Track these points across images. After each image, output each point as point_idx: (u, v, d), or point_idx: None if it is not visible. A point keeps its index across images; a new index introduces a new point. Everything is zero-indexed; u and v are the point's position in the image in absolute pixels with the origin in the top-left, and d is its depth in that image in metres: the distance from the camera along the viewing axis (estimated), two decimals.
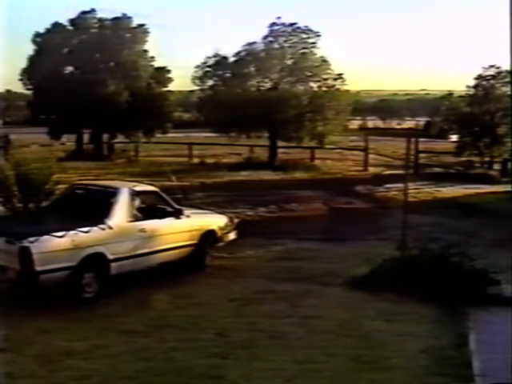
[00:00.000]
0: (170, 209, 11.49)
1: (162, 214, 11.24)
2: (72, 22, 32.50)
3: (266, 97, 29.59)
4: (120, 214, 10.39)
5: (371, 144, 33.14)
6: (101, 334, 8.58)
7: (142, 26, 32.87)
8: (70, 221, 9.91)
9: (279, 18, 30.61)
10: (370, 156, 32.09)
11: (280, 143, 31.38)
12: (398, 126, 68.66)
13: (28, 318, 8.90)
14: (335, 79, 30.33)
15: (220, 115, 29.64)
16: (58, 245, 9.32)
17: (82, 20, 32.40)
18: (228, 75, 30.82)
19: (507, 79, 29.48)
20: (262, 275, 11.77)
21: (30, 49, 32.35)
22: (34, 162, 14.09)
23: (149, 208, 11.11)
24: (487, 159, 30.50)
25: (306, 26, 30.43)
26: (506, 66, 29.25)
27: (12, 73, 34.54)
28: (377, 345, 8.34)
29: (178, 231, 11.39)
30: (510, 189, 22.15)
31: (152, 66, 33.24)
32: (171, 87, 34.03)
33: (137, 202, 10.82)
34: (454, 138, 33.41)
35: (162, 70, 33.55)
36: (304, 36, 30.31)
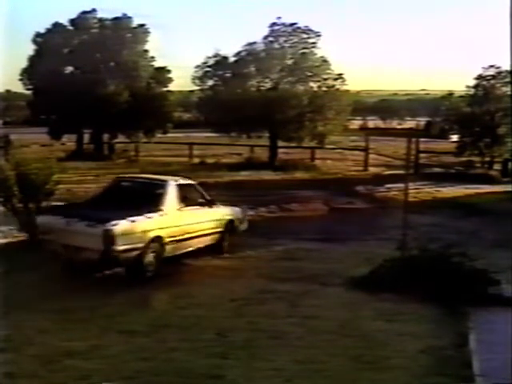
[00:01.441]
0: (204, 200, 12.89)
1: (199, 204, 12.59)
2: (72, 22, 32.54)
3: (266, 97, 29.61)
4: (171, 203, 11.71)
5: (371, 144, 33.17)
6: (101, 334, 8.58)
7: (142, 26, 32.90)
8: (132, 208, 10.91)
9: (279, 17, 30.71)
10: (371, 156, 32.12)
11: (280, 143, 31.41)
12: (399, 126, 68.79)
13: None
14: (335, 79, 30.36)
15: (220, 115, 29.66)
16: (132, 228, 10.57)
17: (82, 20, 32.42)
18: (228, 75, 30.84)
19: (507, 79, 29.51)
20: (263, 275, 11.77)
21: (30, 49, 32.43)
22: (35, 162, 14.07)
23: (188, 198, 12.29)
24: (487, 159, 30.54)
25: (307, 26, 30.52)
26: (506, 66, 29.32)
27: (12, 73, 34.56)
28: (377, 345, 8.33)
29: (211, 219, 12.83)
30: (510, 189, 22.16)
31: (152, 65, 33.27)
32: (171, 87, 34.14)
33: (180, 193, 12.04)
34: (455, 138, 33.46)
35: (162, 70, 33.57)
36: (304, 36, 30.34)
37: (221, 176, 26.24)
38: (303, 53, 30.40)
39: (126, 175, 14.28)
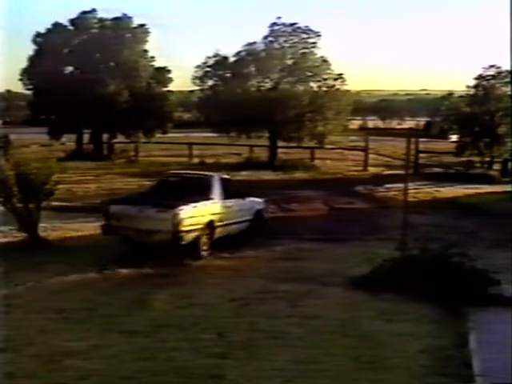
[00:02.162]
0: (238, 192, 14.64)
1: (235, 196, 14.28)
2: (72, 22, 32.52)
3: (266, 97, 29.61)
4: (217, 194, 13.59)
5: (371, 144, 33.17)
6: (101, 334, 8.58)
7: (142, 25, 32.88)
8: (187, 197, 12.70)
9: (279, 17, 30.71)
10: (370, 156, 32.11)
11: (280, 143, 31.40)
12: (399, 126, 68.75)
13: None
14: (335, 79, 30.36)
15: (220, 115, 29.66)
16: (193, 213, 12.51)
17: (82, 20, 32.41)
18: (228, 75, 30.85)
19: (507, 79, 29.50)
20: (263, 275, 11.77)
21: (30, 49, 32.41)
22: (34, 162, 14.08)
23: (227, 191, 14.00)
24: (487, 159, 30.53)
25: (307, 26, 30.52)
26: (506, 66, 29.31)
27: (12, 73, 34.53)
28: (377, 345, 8.33)
29: (245, 208, 14.65)
30: (510, 189, 22.16)
31: (152, 65, 33.25)
32: (171, 87, 34.11)
33: (222, 186, 13.85)
34: (454, 138, 33.45)
35: (162, 70, 33.55)
36: (304, 36, 30.34)
37: None
38: (303, 53, 30.41)
39: (174, 171, 16.97)
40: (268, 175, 27.10)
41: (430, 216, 18.23)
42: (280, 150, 31.74)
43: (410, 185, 13.92)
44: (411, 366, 7.71)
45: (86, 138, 34.22)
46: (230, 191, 14.08)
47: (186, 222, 12.24)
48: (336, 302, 10.25)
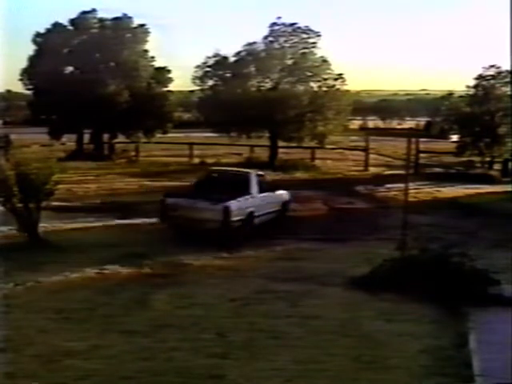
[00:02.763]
0: (269, 186, 16.85)
1: (267, 190, 16.31)
2: (72, 22, 32.48)
3: (266, 97, 29.58)
4: (255, 188, 15.61)
5: (372, 144, 33.15)
6: (101, 334, 8.58)
7: (142, 25, 32.84)
8: (230, 192, 14.68)
9: (279, 17, 30.66)
10: (371, 156, 32.10)
11: (280, 143, 31.38)
12: (399, 126, 68.70)
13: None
14: (335, 79, 30.33)
15: (220, 115, 29.62)
16: (238, 206, 14.56)
17: (82, 20, 32.37)
18: (228, 75, 30.82)
19: (507, 79, 29.49)
20: (262, 275, 11.77)
21: (30, 49, 32.38)
22: (35, 162, 14.07)
23: (261, 185, 15.97)
24: (488, 159, 30.51)
25: (307, 26, 30.46)
26: (506, 66, 29.29)
27: (12, 73, 34.52)
28: (377, 345, 8.34)
29: (275, 200, 16.70)
30: (510, 189, 22.15)
31: (152, 65, 33.21)
32: (171, 87, 34.05)
33: (257, 181, 15.92)
34: (455, 138, 33.41)
35: (162, 70, 33.52)
36: (304, 36, 30.31)
37: None
38: (303, 53, 30.38)
39: (216, 168, 19.10)
40: (268, 175, 27.05)
41: (430, 216, 18.23)
42: (280, 150, 31.73)
43: (411, 185, 13.91)
44: (411, 366, 7.72)
45: (86, 137, 34.21)
46: (263, 186, 16.19)
47: (233, 213, 14.33)
48: (336, 302, 10.25)
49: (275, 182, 22.81)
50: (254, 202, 15.37)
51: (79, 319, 9.16)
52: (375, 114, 76.70)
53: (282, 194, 17.33)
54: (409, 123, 69.56)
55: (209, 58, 30.79)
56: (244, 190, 15.22)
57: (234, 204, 14.40)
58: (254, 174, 16.18)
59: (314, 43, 30.32)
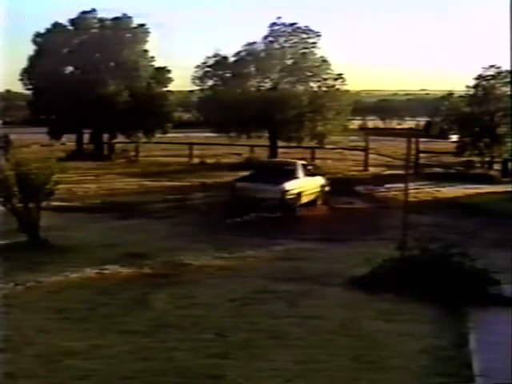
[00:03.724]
0: (310, 173, 20.33)
1: (308, 175, 19.86)
2: (72, 21, 32.48)
3: (266, 97, 29.60)
4: (301, 174, 19.39)
5: (371, 144, 33.15)
6: (101, 334, 8.58)
7: (142, 25, 32.85)
8: (283, 177, 18.62)
9: (279, 17, 30.68)
10: (371, 156, 32.08)
11: (280, 143, 31.38)
12: (398, 126, 68.64)
13: None
14: (335, 79, 30.34)
15: (220, 115, 29.64)
16: (291, 187, 18.28)
17: (82, 20, 32.38)
18: (228, 75, 30.83)
19: (507, 79, 29.47)
20: (262, 275, 11.76)
21: (30, 49, 32.38)
22: (34, 162, 14.07)
23: (304, 172, 19.72)
24: (487, 159, 30.49)
25: (307, 26, 30.48)
26: (506, 66, 29.27)
27: (12, 73, 34.51)
28: (377, 345, 8.33)
29: (315, 185, 19.98)
30: (510, 189, 22.15)
31: (152, 66, 33.22)
32: (171, 87, 34.07)
33: (302, 169, 19.64)
34: (454, 138, 33.40)
35: (162, 70, 33.53)
36: (304, 36, 30.32)
37: (221, 176, 26.20)
38: (303, 53, 30.39)
39: (265, 160, 24.80)
40: None
41: (430, 216, 18.23)
42: (280, 150, 31.71)
43: (411, 185, 13.92)
44: (411, 366, 7.72)
45: (86, 138, 34.21)
46: (306, 172, 19.81)
47: (288, 192, 18.06)
48: (336, 302, 10.25)
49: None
50: (301, 184, 18.90)
51: (79, 319, 9.16)
52: (375, 114, 76.61)
53: (320, 179, 20.75)
54: (408, 123, 69.48)
55: (209, 57, 30.84)
56: (293, 175, 19.04)
57: (288, 185, 18.19)
58: (300, 163, 20.29)
59: (313, 43, 30.35)
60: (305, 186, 19.03)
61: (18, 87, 35.12)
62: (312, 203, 19.49)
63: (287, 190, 18.10)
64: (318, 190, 20.10)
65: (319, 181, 20.50)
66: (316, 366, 7.61)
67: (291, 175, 18.96)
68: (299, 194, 18.59)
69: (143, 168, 28.34)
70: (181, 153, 32.90)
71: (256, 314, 9.53)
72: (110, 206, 18.91)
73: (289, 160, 22.01)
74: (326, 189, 20.66)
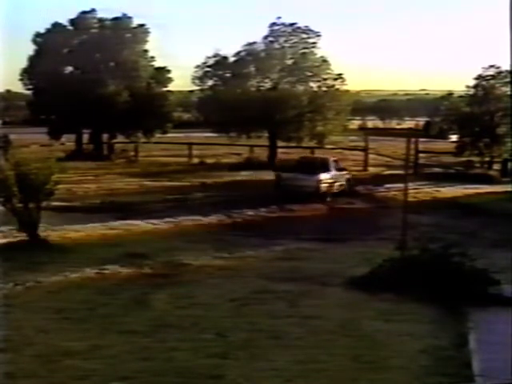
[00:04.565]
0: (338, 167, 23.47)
1: (337, 169, 22.96)
2: (72, 21, 32.47)
3: (265, 97, 29.58)
4: (333, 167, 22.63)
5: (371, 144, 33.16)
6: (101, 334, 8.58)
7: (142, 26, 32.83)
8: (318, 170, 21.68)
9: (279, 17, 30.66)
10: (370, 156, 32.08)
11: (280, 143, 31.37)
12: (398, 126, 68.62)
13: None
14: (335, 79, 30.32)
15: (220, 115, 29.63)
16: (324, 177, 21.59)
17: (82, 20, 32.37)
18: (228, 75, 30.81)
19: (507, 79, 29.46)
20: (262, 275, 11.77)
21: (30, 49, 32.37)
22: (34, 162, 14.07)
23: (335, 166, 23.06)
24: (487, 159, 30.49)
25: (307, 26, 30.46)
26: (506, 66, 29.26)
27: (12, 73, 34.50)
28: (377, 345, 8.34)
29: (342, 177, 22.99)
30: (509, 189, 22.16)
31: (152, 65, 33.20)
32: (171, 87, 34.05)
33: (333, 163, 23.02)
34: (454, 138, 33.39)
35: (162, 70, 33.52)
36: (304, 36, 30.31)
37: (220, 176, 26.22)
38: (303, 53, 30.37)
39: (304, 156, 26.52)
40: (268, 175, 27.02)
41: (429, 216, 18.24)
42: (280, 150, 31.71)
43: (410, 185, 13.92)
44: (411, 365, 7.72)
45: (85, 138, 34.20)
46: (336, 167, 22.89)
47: (322, 182, 21.33)
48: (336, 302, 10.25)
49: (273, 181, 22.99)
50: (332, 176, 22.04)
51: (79, 319, 9.16)
52: (374, 114, 76.62)
53: (346, 173, 23.68)
54: (408, 123, 69.49)
55: (209, 58, 30.81)
56: (326, 168, 22.17)
57: (322, 176, 21.44)
58: (331, 159, 23.57)
59: (313, 43, 30.33)
60: (335, 177, 22.33)
61: (18, 87, 35.17)
62: (340, 192, 22.27)
63: (321, 180, 21.35)
64: (344, 181, 23.24)
65: (345, 175, 23.76)
66: (316, 366, 7.62)
67: (324, 168, 22.07)
68: (331, 184, 21.89)
69: (143, 168, 28.35)
70: (180, 153, 32.90)
71: (256, 314, 9.53)
72: (110, 205, 18.91)
73: (323, 156, 25.22)
74: (351, 181, 23.86)
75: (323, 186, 21.33)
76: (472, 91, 31.09)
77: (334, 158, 24.14)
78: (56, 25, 32.41)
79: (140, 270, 12.01)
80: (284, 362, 7.71)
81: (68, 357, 7.72)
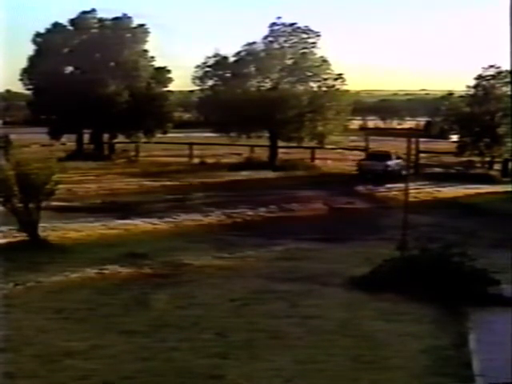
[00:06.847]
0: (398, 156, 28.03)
1: (397, 158, 27.93)
2: (72, 21, 32.47)
3: (266, 97, 29.58)
4: (393, 158, 28.04)
5: (372, 144, 33.15)
6: (101, 334, 8.58)
7: (142, 25, 32.83)
8: (385, 158, 28.13)
9: (279, 17, 30.65)
10: None
11: (280, 143, 31.37)
12: (399, 126, 68.56)
13: None
14: (335, 79, 30.32)
15: (220, 115, 29.63)
16: (389, 164, 27.70)
17: (82, 20, 32.37)
18: (228, 75, 30.81)
19: (507, 79, 29.44)
20: (262, 275, 11.77)
21: (30, 49, 32.37)
22: (35, 162, 14.07)
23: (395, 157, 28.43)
24: (488, 159, 30.49)
25: (306, 26, 30.45)
26: (506, 66, 29.25)
27: (12, 73, 34.51)
28: (377, 345, 8.34)
29: (399, 164, 27.11)
30: (510, 189, 22.15)
31: (152, 65, 33.21)
32: (171, 87, 34.06)
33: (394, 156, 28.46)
34: (455, 138, 33.38)
35: (162, 70, 33.52)
36: (304, 36, 30.30)
37: (221, 176, 26.22)
38: (303, 53, 30.37)
39: (374, 149, 31.17)
40: (268, 175, 27.05)
41: (430, 216, 18.22)
42: (280, 150, 31.71)
43: (411, 185, 13.93)
44: (411, 365, 7.72)
45: (86, 138, 34.20)
46: (395, 157, 27.86)
47: (388, 166, 27.28)
48: (336, 302, 10.25)
49: (273, 181, 23.01)
50: (393, 163, 27.57)
51: (79, 319, 9.16)
52: (375, 114, 76.55)
53: (400, 161, 27.12)
54: (409, 123, 69.45)
55: (209, 58, 30.81)
56: (389, 158, 27.99)
57: (388, 163, 27.51)
58: (393, 151, 28.62)
59: (313, 43, 30.33)
60: (395, 164, 27.73)
61: (18, 87, 35.16)
62: (397, 171, 26.58)
63: (388, 165, 27.50)
64: (399, 168, 27.13)
65: (401, 162, 27.50)
66: (316, 366, 7.62)
67: (389, 158, 28.22)
68: (393, 169, 27.33)
69: (143, 168, 28.34)
70: (181, 153, 32.89)
71: (256, 313, 9.53)
72: (111, 205, 18.91)
73: (387, 150, 30.13)
74: (404, 167, 26.30)
75: (388, 168, 27.65)
76: (472, 91, 31.08)
77: (395, 151, 29.23)
78: (56, 25, 32.42)
79: (140, 270, 12.01)
80: (284, 362, 7.71)
81: (68, 357, 7.72)
